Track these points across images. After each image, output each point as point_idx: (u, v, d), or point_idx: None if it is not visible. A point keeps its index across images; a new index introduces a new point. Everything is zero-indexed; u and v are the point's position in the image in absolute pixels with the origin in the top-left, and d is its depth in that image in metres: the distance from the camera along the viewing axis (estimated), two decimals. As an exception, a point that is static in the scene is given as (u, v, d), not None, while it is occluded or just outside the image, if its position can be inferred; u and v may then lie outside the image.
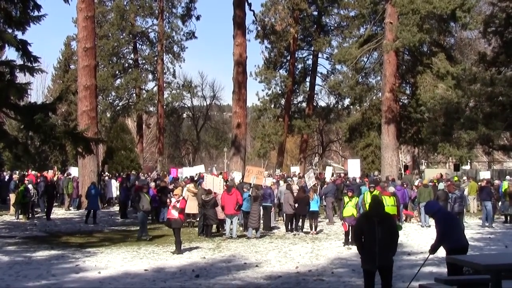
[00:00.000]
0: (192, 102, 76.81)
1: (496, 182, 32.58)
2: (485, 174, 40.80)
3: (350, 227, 19.80)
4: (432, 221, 26.55)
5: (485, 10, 37.22)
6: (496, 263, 9.81)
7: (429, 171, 46.78)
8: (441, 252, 17.92)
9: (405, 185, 29.39)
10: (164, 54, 62.71)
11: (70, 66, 64.05)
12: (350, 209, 20.09)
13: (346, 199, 20.69)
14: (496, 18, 13.71)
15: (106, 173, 40.31)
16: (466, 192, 31.59)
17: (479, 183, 33.21)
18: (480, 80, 14.58)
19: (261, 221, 24.18)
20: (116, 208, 34.03)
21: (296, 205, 23.72)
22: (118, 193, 30.30)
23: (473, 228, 25.15)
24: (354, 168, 39.48)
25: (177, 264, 16.26)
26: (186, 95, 70.75)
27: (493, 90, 14.03)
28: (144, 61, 64.57)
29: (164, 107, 62.88)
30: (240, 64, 41.67)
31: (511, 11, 13.33)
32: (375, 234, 9.98)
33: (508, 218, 27.17)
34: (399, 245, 19.76)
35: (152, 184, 28.68)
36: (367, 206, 19.21)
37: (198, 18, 60.57)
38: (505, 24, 13.42)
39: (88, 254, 17.77)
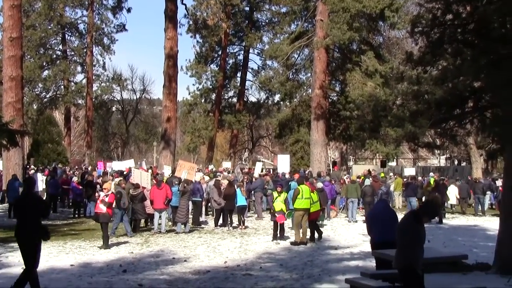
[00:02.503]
0: (121, 95, 76.10)
1: (420, 178, 33.39)
2: (409, 171, 41.71)
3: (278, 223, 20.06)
4: (358, 217, 27.19)
5: (412, 10, 38.01)
6: (419, 258, 10.02)
7: (357, 167, 47.56)
8: (367, 247, 18.28)
9: (333, 181, 29.79)
10: (94, 46, 61.56)
11: (-5, 56, 62.24)
12: (279, 204, 20.19)
13: (275, 194, 20.78)
14: (422, 18, 13.96)
15: (32, 166, 39.38)
16: (391, 188, 32.25)
17: (404, 180, 34.01)
18: (407, 78, 14.86)
19: (190, 216, 24.13)
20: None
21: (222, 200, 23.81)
22: (44, 186, 29.60)
23: (398, 223, 25.67)
24: (283, 163, 39.77)
25: (104, 259, 16.04)
26: (115, 88, 69.87)
27: (419, 89, 14.31)
28: (73, 53, 63.34)
29: (93, 100, 61.74)
30: (171, 58, 41.38)
31: (437, 12, 13.63)
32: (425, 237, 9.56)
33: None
34: (326, 240, 20.16)
35: (75, 179, 28.22)
36: (296, 201, 19.51)
37: (129, 10, 59.86)
38: (431, 24, 13.70)
39: (12, 249, 17.26)
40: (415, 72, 14.76)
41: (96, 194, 20.66)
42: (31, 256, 11.09)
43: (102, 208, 18.05)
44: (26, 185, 12.71)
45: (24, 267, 11.29)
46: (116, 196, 20.35)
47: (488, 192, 32.80)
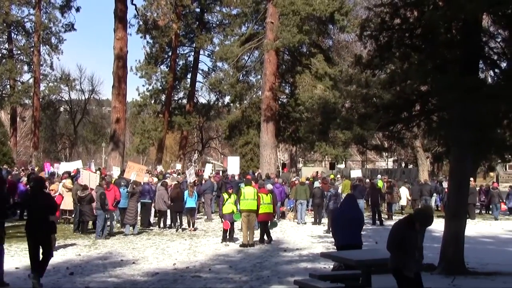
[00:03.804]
0: (70, 95, 74.87)
1: (367, 180, 33.75)
2: (356, 173, 42.05)
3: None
4: (308, 218, 27.38)
5: (361, 14, 38.45)
6: (366, 259, 10.19)
7: (306, 169, 47.92)
8: (316, 248, 18.43)
9: (283, 183, 29.92)
10: (41, 45, 60.45)
11: None
12: (229, 206, 20.20)
13: (225, 196, 20.78)
14: (371, 22, 14.14)
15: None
16: (340, 190, 32.53)
17: (352, 182, 34.33)
18: (356, 81, 15.02)
19: (139, 218, 23.93)
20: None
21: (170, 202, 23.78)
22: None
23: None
24: (233, 165, 39.75)
25: (51, 261, 15.73)
26: (63, 88, 68.83)
27: (367, 92, 14.49)
28: (19, 52, 62.06)
29: (40, 100, 60.59)
30: (121, 59, 41.02)
31: (386, 16, 13.83)
32: (417, 242, 9.69)
33: (376, 215, 28.05)
34: (275, 242, 20.23)
35: (24, 179, 27.69)
36: (241, 202, 19.61)
37: (78, 9, 58.73)
38: (380, 28, 13.89)
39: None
40: (363, 76, 14.92)
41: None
42: (45, 250, 12.37)
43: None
44: (36, 183, 13.27)
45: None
46: (101, 197, 20.30)
47: (434, 194, 33.39)
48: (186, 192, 24.16)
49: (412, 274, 9.27)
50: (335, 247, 12.21)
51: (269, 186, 23.19)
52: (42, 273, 12.41)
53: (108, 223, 21.73)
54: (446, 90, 12.25)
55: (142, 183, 24.55)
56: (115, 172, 32.03)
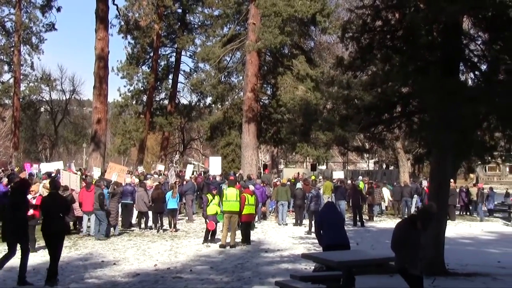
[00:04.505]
0: (50, 95, 74.35)
1: (349, 182, 33.89)
2: (338, 174, 42.18)
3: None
4: (288, 219, 27.42)
5: (343, 16, 38.59)
6: (347, 260, 10.21)
7: (288, 170, 47.92)
8: (297, 249, 18.45)
9: (264, 184, 29.94)
10: (22, 45, 60.01)
11: None
12: (213, 207, 20.20)
13: (209, 197, 20.77)
14: (353, 24, 14.18)
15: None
16: (321, 191, 32.61)
17: (334, 182, 34.43)
18: (337, 83, 15.06)
19: (120, 219, 23.83)
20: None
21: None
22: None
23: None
24: (215, 166, 39.64)
25: (31, 262, 15.57)
26: (44, 88, 68.50)
27: (349, 93, 14.53)
28: (-1, 52, 61.68)
29: (21, 100, 60.12)
30: (102, 59, 40.81)
31: (367, 18, 13.88)
32: (420, 241, 9.82)
33: (357, 216, 28.14)
34: (256, 243, 20.24)
35: (5, 180, 27.40)
36: (223, 204, 19.61)
37: (58, 9, 58.38)
38: (362, 30, 13.94)
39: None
40: (345, 77, 14.98)
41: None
42: (58, 248, 12.88)
43: (30, 211, 17.63)
44: (53, 185, 14.06)
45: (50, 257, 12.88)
46: (100, 198, 20.26)
47: (415, 196, 33.59)
48: (168, 193, 24.13)
49: (418, 271, 9.44)
50: (321, 247, 12.24)
51: (251, 187, 23.22)
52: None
53: (89, 223, 21.63)
54: (427, 92, 12.33)
55: (123, 184, 24.47)
56: (96, 173, 31.87)
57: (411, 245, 9.43)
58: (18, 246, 12.97)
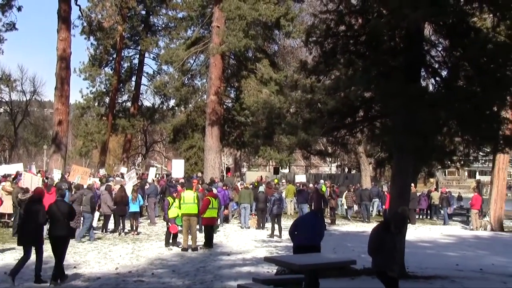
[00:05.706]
0: (10, 96, 73.36)
1: (311, 185, 34.07)
2: (300, 178, 42.40)
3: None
4: (251, 223, 27.42)
5: (307, 20, 38.81)
6: (310, 263, 10.26)
7: (250, 174, 48.04)
8: (259, 253, 18.48)
9: (226, 187, 29.93)
10: (-20, 45, 59.06)
11: None
12: (175, 210, 20.14)
13: (170, 200, 20.70)
14: (317, 28, 14.25)
15: None
16: (284, 195, 32.73)
17: (296, 186, 34.61)
18: (301, 87, 15.09)
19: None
20: None
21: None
22: None
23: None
24: (178, 168, 39.51)
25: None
26: (4, 89, 67.69)
27: (312, 97, 14.58)
28: (-43, 51, 60.54)
29: (-21, 100, 59.37)
30: (64, 60, 40.40)
31: (331, 23, 13.98)
32: (395, 244, 9.93)
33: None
34: (218, 246, 20.21)
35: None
36: (181, 207, 19.60)
37: (19, 9, 57.36)
38: (325, 35, 14.02)
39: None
40: (309, 81, 15.03)
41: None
42: (62, 251, 13.57)
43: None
44: (59, 193, 15.05)
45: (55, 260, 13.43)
46: (91, 201, 20.31)
47: (376, 199, 33.92)
48: (130, 196, 23.99)
49: (396, 274, 9.57)
50: (293, 248, 12.39)
51: (215, 190, 23.24)
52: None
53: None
54: (390, 97, 12.46)
55: (84, 186, 24.21)
56: (56, 175, 31.50)
57: (387, 248, 9.58)
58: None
